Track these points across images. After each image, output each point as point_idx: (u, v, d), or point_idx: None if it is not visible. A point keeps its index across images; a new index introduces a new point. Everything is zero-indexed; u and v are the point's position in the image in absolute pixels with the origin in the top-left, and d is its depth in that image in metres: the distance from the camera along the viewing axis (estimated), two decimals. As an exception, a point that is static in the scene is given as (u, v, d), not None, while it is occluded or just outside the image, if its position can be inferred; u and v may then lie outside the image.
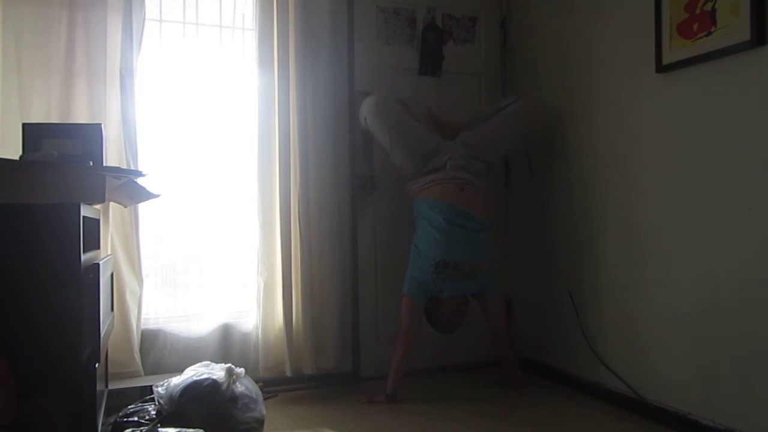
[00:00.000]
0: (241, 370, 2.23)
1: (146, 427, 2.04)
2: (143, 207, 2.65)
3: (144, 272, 2.64)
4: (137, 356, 2.62)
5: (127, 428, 2.05)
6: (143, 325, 2.68)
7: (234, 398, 2.14)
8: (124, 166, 2.53)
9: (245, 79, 2.92)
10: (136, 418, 2.14)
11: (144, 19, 2.65)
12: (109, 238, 2.55)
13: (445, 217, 2.64)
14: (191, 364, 2.30)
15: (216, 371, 2.20)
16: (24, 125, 2.04)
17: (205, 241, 2.89)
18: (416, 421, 2.44)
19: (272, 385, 2.80)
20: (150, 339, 2.71)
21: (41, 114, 2.48)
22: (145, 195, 2.34)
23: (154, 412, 2.17)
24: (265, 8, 2.82)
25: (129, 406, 2.24)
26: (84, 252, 1.65)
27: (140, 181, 2.15)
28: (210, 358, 2.44)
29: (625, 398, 2.53)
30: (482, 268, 2.70)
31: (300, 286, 2.83)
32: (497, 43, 3.36)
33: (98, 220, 2.31)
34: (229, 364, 2.24)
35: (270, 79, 2.82)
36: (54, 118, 2.49)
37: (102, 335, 1.84)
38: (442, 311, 2.72)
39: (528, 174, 3.10)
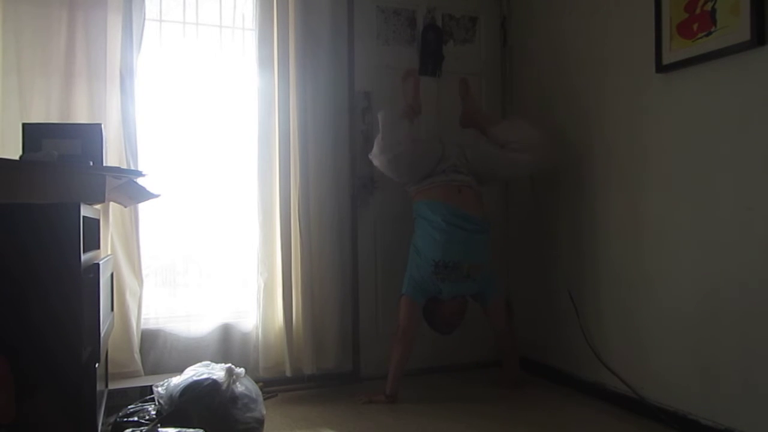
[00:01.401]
0: (241, 370, 2.23)
1: (146, 427, 2.04)
2: (143, 207, 2.65)
3: (144, 272, 2.64)
4: (137, 356, 2.62)
5: (127, 428, 2.05)
6: (143, 325, 2.68)
7: (234, 398, 2.14)
8: (124, 166, 2.53)
9: (245, 79, 2.92)
10: (136, 418, 2.14)
11: (144, 19, 2.65)
12: (109, 238, 2.55)
13: (445, 218, 2.64)
14: (191, 364, 2.30)
15: (216, 371, 2.20)
16: (24, 125, 2.05)
17: (205, 241, 2.89)
18: (416, 421, 2.44)
19: (272, 385, 2.80)
20: (150, 339, 2.71)
21: (41, 114, 2.48)
22: (145, 195, 2.34)
23: (154, 412, 2.17)
24: (265, 8, 2.82)
25: (129, 406, 2.24)
26: (84, 252, 1.65)
27: (140, 181, 2.15)
28: (210, 358, 2.44)
29: (625, 398, 2.53)
30: (481, 268, 2.71)
31: (300, 286, 2.84)
32: (497, 43, 3.36)
33: (98, 220, 2.31)
34: (229, 364, 2.24)
35: (270, 80, 2.82)
36: (54, 118, 2.49)
37: (102, 335, 1.84)
38: (441, 312, 2.72)
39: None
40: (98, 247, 2.29)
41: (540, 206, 3.07)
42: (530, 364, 3.07)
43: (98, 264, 1.85)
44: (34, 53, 2.49)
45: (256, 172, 2.82)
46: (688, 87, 2.27)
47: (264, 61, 2.82)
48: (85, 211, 1.70)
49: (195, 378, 2.15)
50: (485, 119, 3.00)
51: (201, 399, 2.09)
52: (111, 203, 2.51)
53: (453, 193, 2.70)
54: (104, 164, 2.14)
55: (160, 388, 2.18)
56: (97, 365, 1.78)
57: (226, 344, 2.83)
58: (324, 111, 2.92)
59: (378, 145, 2.72)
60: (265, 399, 2.34)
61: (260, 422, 2.18)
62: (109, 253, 2.51)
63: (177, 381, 2.17)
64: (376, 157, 2.75)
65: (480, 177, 2.80)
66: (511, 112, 3.32)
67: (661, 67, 2.34)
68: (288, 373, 2.80)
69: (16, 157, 1.84)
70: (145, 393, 2.39)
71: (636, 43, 2.47)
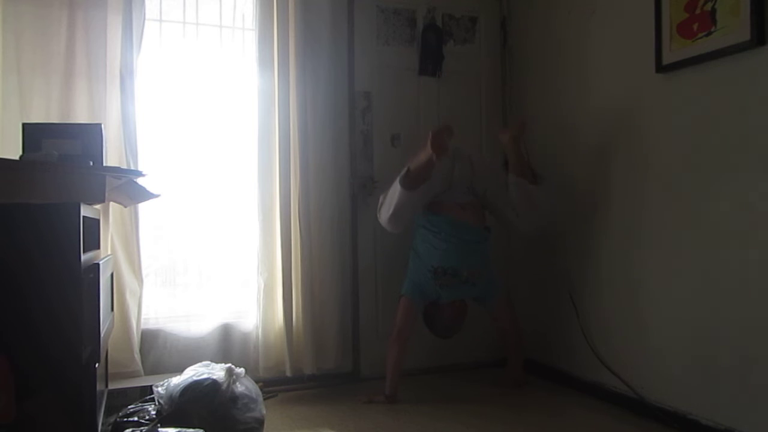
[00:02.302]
0: (241, 370, 2.23)
1: (146, 427, 2.04)
2: (143, 207, 2.65)
3: (144, 272, 2.64)
4: (137, 356, 2.62)
5: (127, 428, 2.05)
6: (143, 325, 2.68)
7: (234, 398, 2.13)
8: (124, 166, 2.53)
9: (245, 79, 2.92)
10: (136, 418, 2.14)
11: (144, 19, 2.65)
12: (109, 238, 2.55)
13: (444, 230, 2.64)
14: (191, 364, 2.30)
15: (216, 371, 2.20)
16: (24, 125, 2.05)
17: (205, 241, 2.89)
18: (416, 421, 2.44)
19: (272, 385, 2.80)
20: (150, 339, 2.71)
21: (41, 114, 2.48)
22: (145, 195, 2.34)
23: (154, 412, 2.17)
24: (265, 8, 2.82)
25: (129, 406, 2.24)
26: (84, 252, 1.66)
27: (140, 181, 2.15)
28: (210, 358, 2.44)
29: (625, 398, 2.53)
30: (480, 273, 2.71)
31: (300, 286, 2.83)
32: (497, 43, 3.36)
33: (98, 220, 2.31)
34: (229, 364, 2.24)
35: (270, 79, 2.82)
36: (54, 118, 2.49)
37: (102, 335, 1.84)
38: (442, 316, 2.72)
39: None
40: (98, 247, 2.29)
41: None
42: (530, 364, 3.06)
43: (98, 264, 1.85)
44: (34, 53, 2.49)
45: (256, 172, 2.82)
46: (688, 87, 2.27)
47: (264, 61, 2.82)
48: (85, 211, 1.70)
49: (195, 378, 2.15)
50: (526, 169, 2.75)
51: (201, 399, 2.09)
52: (111, 203, 2.51)
53: (456, 209, 2.70)
54: (104, 164, 2.14)
55: (160, 388, 2.18)
56: (97, 365, 1.78)
57: (226, 344, 2.83)
58: (324, 111, 2.92)
59: (387, 217, 2.66)
60: (265, 399, 2.34)
61: (260, 422, 2.18)
62: (109, 253, 2.51)
63: (177, 381, 2.17)
64: (382, 222, 2.73)
65: (482, 201, 2.80)
66: (511, 112, 3.32)
67: (661, 67, 2.34)
68: (288, 373, 2.80)
69: (16, 157, 1.84)
70: (145, 393, 2.39)
71: (636, 43, 2.47)
